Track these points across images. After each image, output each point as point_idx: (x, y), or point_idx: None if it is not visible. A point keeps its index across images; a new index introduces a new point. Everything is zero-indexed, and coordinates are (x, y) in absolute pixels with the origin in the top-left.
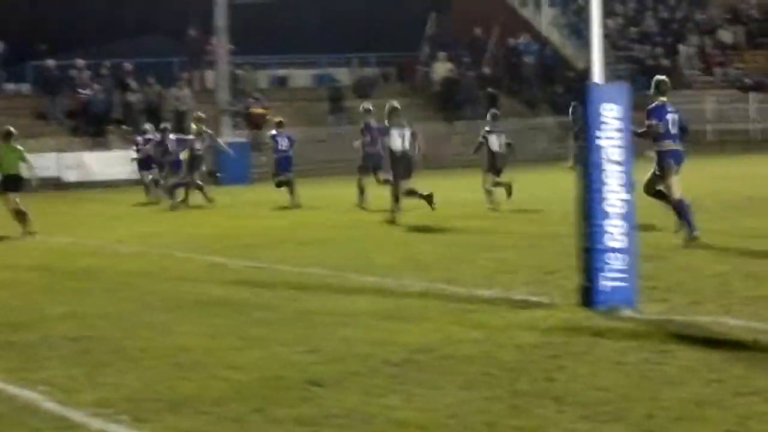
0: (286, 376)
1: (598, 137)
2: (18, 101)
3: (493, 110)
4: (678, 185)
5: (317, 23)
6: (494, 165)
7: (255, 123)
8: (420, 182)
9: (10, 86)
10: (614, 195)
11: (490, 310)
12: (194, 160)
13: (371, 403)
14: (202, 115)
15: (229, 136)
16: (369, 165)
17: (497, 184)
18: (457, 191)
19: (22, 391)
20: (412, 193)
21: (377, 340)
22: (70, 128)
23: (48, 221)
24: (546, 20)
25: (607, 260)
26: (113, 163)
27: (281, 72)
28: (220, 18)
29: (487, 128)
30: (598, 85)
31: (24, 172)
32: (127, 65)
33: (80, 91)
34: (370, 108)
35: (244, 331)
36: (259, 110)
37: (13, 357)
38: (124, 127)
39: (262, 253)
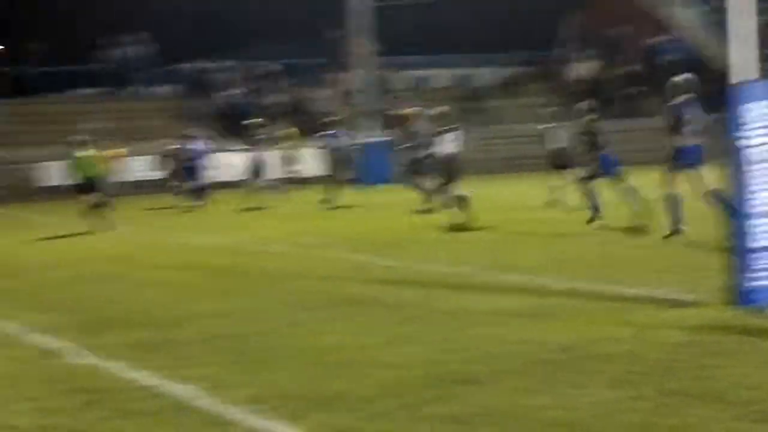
0: (434, 373)
1: (746, 136)
2: (166, 103)
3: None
4: None
5: (460, 23)
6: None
7: (396, 123)
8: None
9: (159, 89)
10: (764, 193)
11: (636, 308)
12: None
13: (520, 401)
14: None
15: (369, 136)
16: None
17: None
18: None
19: (178, 387)
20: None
21: (524, 339)
22: (219, 129)
23: (193, 221)
24: (687, 16)
25: (756, 259)
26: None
27: (423, 72)
28: (363, 19)
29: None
30: (746, 82)
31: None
32: (273, 67)
33: (226, 92)
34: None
35: (392, 329)
36: (404, 111)
37: (167, 354)
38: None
39: (406, 251)
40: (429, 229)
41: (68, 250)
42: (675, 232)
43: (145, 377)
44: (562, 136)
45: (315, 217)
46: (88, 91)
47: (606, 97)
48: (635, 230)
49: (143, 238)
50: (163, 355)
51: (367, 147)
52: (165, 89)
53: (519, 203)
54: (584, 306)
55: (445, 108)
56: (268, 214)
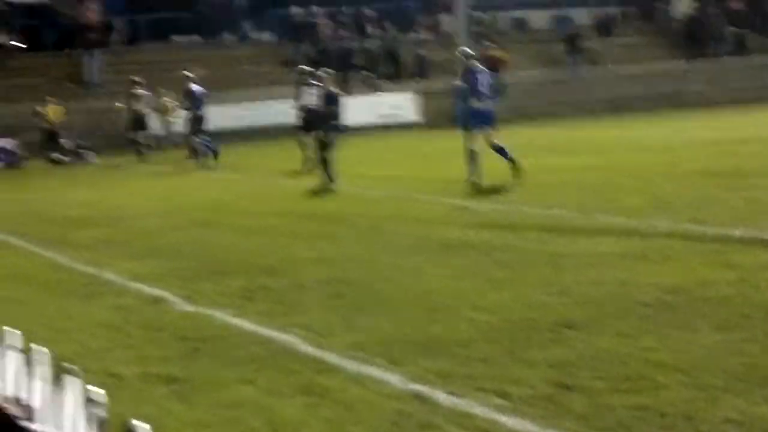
0: (536, 318)
1: None
2: (262, 49)
3: None
4: None
5: None
6: None
7: (493, 66)
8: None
9: (255, 35)
10: None
11: (743, 250)
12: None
13: (625, 344)
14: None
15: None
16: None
17: None
18: (703, 131)
19: (279, 334)
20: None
21: (627, 282)
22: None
23: (291, 166)
24: None
25: None
26: (355, 108)
27: (519, 13)
28: None
29: None
30: None
31: None
32: (367, 11)
33: (322, 38)
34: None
35: (491, 273)
36: (497, 53)
37: (267, 301)
38: (365, 73)
39: (504, 195)
40: (529, 173)
41: (167, 198)
42: None
43: (246, 324)
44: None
45: (412, 163)
46: (189, 38)
47: (708, 35)
48: (739, 172)
49: (245, 185)
50: (263, 302)
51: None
52: (264, 36)
53: (620, 145)
54: (689, 248)
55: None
56: (364, 159)
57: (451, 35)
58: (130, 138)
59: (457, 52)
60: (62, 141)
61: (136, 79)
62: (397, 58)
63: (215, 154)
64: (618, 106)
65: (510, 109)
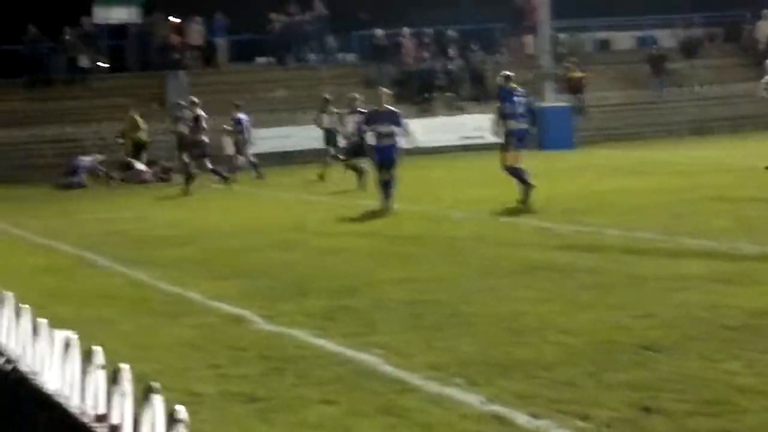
0: (619, 340)
1: None
2: (347, 70)
3: None
4: None
5: None
6: None
7: (574, 87)
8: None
9: (339, 56)
10: None
11: None
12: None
13: (709, 368)
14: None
15: (551, 101)
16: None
17: None
18: None
19: (359, 354)
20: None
21: (713, 305)
22: (397, 96)
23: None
24: None
25: None
26: (438, 129)
27: (603, 35)
28: None
29: None
30: None
31: None
32: (450, 33)
33: (406, 59)
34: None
35: (575, 295)
36: (578, 74)
37: (348, 321)
38: (448, 94)
39: (588, 217)
40: (613, 195)
41: (246, 218)
42: None
43: (327, 344)
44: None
45: (495, 184)
46: (266, 60)
47: None
48: None
49: (324, 205)
50: (343, 322)
51: (548, 112)
52: (344, 57)
53: (705, 167)
54: None
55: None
56: (446, 180)
57: (534, 57)
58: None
59: (498, 76)
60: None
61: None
62: (481, 80)
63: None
64: (702, 128)
65: (593, 130)
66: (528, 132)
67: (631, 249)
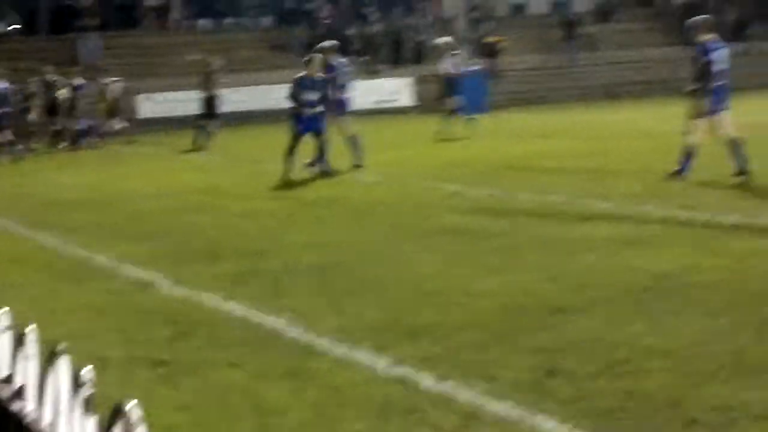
0: (526, 303)
1: None
2: (260, 34)
3: None
4: None
5: None
6: None
7: (489, 51)
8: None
9: (252, 20)
10: None
11: (734, 236)
12: None
13: (614, 330)
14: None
15: (466, 65)
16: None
17: None
18: None
19: (268, 318)
20: None
21: (618, 267)
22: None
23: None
24: None
25: None
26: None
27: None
28: None
29: None
30: None
31: None
32: None
33: (320, 23)
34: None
35: (484, 258)
36: (493, 39)
37: (257, 285)
38: (363, 58)
39: (499, 181)
40: (520, 158)
41: (157, 182)
42: None
43: (235, 308)
44: None
45: (406, 147)
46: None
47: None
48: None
49: (238, 169)
50: (252, 286)
51: (464, 76)
52: (257, 21)
53: (617, 131)
54: (680, 234)
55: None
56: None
57: (450, 20)
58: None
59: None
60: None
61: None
62: (399, 44)
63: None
64: (614, 92)
65: (506, 94)
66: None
67: (541, 212)
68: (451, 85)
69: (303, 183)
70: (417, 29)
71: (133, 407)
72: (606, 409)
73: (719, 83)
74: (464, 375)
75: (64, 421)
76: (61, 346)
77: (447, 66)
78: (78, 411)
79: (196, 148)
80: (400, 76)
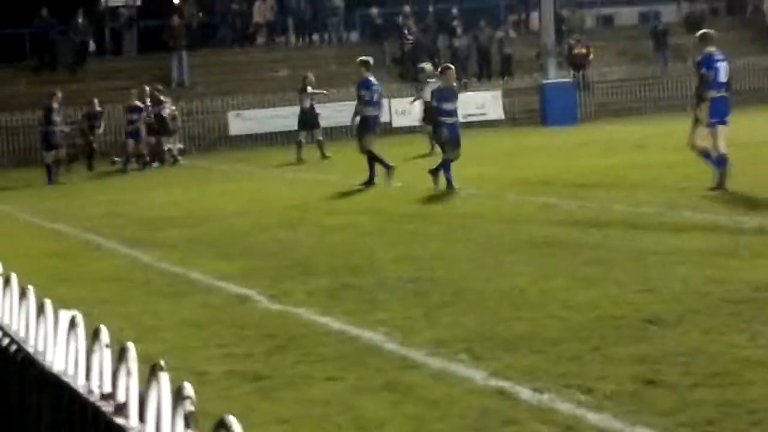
0: (622, 315)
1: None
2: (348, 49)
3: None
4: None
5: None
6: None
7: (577, 63)
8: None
9: (342, 35)
10: None
11: None
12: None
13: (713, 341)
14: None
15: (554, 77)
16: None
17: None
18: None
19: (363, 331)
20: None
21: (715, 278)
22: (398, 74)
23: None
24: None
25: None
26: None
27: (607, 11)
28: None
29: None
30: None
31: None
32: (453, 10)
33: (407, 37)
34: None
35: (579, 271)
36: (582, 50)
37: (352, 299)
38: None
39: (592, 193)
40: (617, 170)
41: (250, 199)
42: None
43: (331, 323)
44: None
45: (496, 160)
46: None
47: None
48: None
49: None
50: (347, 300)
51: (552, 88)
52: (347, 36)
53: None
54: None
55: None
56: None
57: (536, 32)
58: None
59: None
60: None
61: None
62: (487, 57)
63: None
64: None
65: (597, 106)
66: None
67: (634, 224)
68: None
69: (395, 197)
70: (503, 42)
71: (234, 422)
72: (707, 420)
73: None
74: (562, 387)
75: None
76: (161, 362)
77: (425, 94)
78: (180, 426)
79: (298, 162)
80: (488, 89)
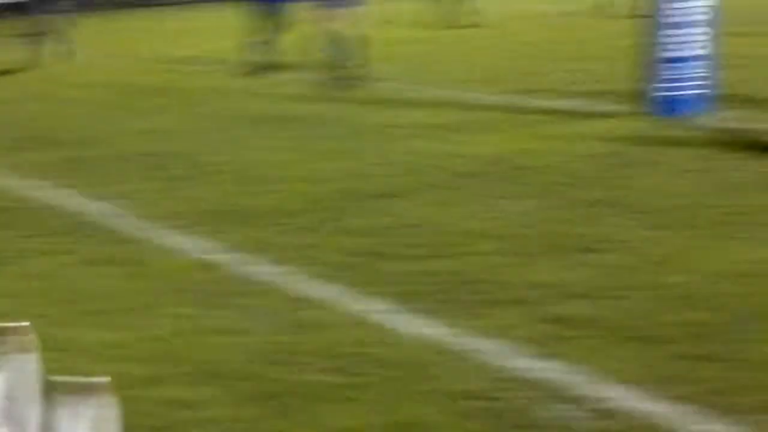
0: (356, 188)
1: None
2: None
3: None
4: None
5: None
6: None
7: None
8: None
9: None
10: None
11: (564, 121)
12: None
13: (443, 213)
14: None
15: None
16: None
17: None
18: (533, 4)
19: (93, 204)
20: None
21: (450, 152)
22: None
23: (121, 38)
24: None
25: (683, 69)
26: None
27: None
28: None
29: None
30: None
31: None
32: None
33: None
34: None
35: (318, 144)
36: None
37: (84, 172)
38: None
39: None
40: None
41: None
42: None
43: (63, 195)
44: None
45: (223, 38)
46: None
47: None
48: (576, 42)
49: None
50: (80, 173)
51: None
52: None
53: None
54: (511, 119)
55: None
56: (188, 31)
57: None
58: None
59: None
60: None
61: None
62: None
63: None
64: None
65: None
66: None
67: (375, 99)
68: None
69: (139, 70)
70: None
71: None
72: (433, 289)
73: None
74: (293, 258)
75: None
76: None
77: None
78: None
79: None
80: None
